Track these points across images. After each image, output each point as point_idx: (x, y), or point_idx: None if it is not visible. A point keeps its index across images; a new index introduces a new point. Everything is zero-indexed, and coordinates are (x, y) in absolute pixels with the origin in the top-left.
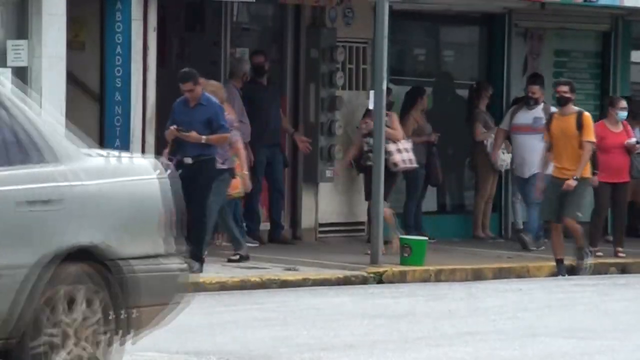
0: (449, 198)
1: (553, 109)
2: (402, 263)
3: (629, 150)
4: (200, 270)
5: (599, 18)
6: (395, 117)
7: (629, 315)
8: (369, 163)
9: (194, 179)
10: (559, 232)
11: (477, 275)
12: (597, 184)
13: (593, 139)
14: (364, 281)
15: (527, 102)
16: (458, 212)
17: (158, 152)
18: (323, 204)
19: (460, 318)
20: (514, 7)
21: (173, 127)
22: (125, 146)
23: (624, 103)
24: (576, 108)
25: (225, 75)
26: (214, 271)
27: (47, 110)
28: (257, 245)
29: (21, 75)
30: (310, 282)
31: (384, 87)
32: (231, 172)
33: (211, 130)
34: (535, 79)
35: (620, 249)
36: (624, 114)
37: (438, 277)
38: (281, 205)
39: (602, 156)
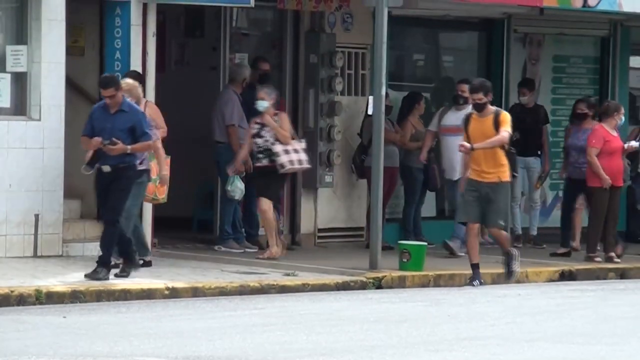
0: (447, 203)
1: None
2: (401, 268)
3: (624, 153)
4: (106, 278)
5: (598, 23)
6: (285, 117)
7: (627, 320)
8: (258, 164)
9: (112, 185)
10: (475, 235)
11: None
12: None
13: (510, 130)
14: (363, 286)
15: (457, 101)
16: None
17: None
18: (322, 209)
19: (459, 323)
20: (513, 13)
21: (98, 140)
22: None
23: (623, 109)
24: (493, 108)
25: (225, 80)
26: (213, 276)
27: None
28: (256, 250)
29: (20, 80)
30: (310, 287)
31: (383, 92)
32: (148, 175)
33: (134, 137)
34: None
35: (612, 254)
36: (623, 118)
37: (437, 282)
38: (280, 211)
39: (603, 160)
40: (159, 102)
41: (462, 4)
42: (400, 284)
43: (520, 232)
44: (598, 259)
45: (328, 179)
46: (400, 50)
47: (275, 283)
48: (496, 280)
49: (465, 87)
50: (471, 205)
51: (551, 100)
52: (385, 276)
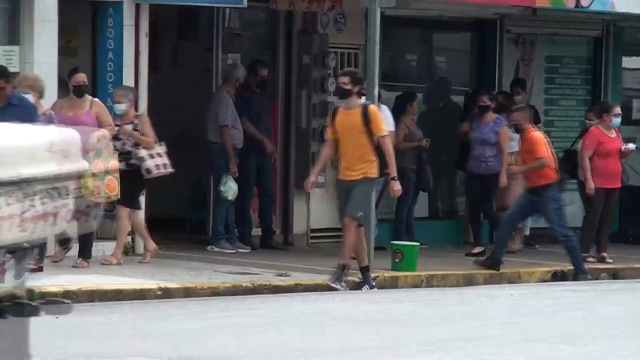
0: (440, 204)
1: (383, 107)
2: (394, 269)
3: (621, 155)
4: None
5: (591, 24)
6: (146, 120)
7: (620, 320)
8: (121, 168)
9: None
10: (352, 232)
11: (469, 281)
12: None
13: (385, 132)
14: (355, 287)
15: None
16: (450, 218)
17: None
18: (315, 209)
19: (452, 323)
20: (506, 13)
21: None
22: None
23: (618, 110)
24: (361, 101)
25: (218, 81)
26: (205, 277)
27: None
28: (248, 250)
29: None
30: (302, 287)
31: (376, 92)
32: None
33: None
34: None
35: (605, 254)
36: (618, 120)
37: (430, 282)
38: (272, 211)
39: (599, 161)
40: (151, 103)
41: (455, 5)
42: (392, 284)
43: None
44: (591, 259)
45: (320, 179)
46: (393, 51)
47: (268, 283)
48: (488, 280)
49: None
50: (345, 203)
51: (544, 100)
52: (378, 276)
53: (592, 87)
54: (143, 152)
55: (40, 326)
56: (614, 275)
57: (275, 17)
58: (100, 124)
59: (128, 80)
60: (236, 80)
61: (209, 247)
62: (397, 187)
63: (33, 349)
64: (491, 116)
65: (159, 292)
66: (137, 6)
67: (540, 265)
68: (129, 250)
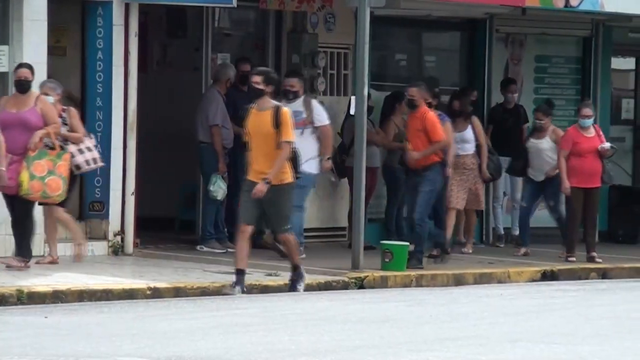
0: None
1: (315, 102)
2: (384, 268)
3: (601, 155)
4: None
5: (580, 24)
6: (75, 113)
7: (609, 320)
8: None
9: None
10: (246, 238)
11: (458, 281)
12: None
13: (292, 138)
14: (345, 286)
15: (286, 95)
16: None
17: (139, 157)
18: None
19: (441, 323)
20: (495, 13)
21: None
22: (106, 151)
23: (586, 111)
24: (274, 102)
25: (207, 80)
26: (195, 277)
27: None
28: None
29: (2, 80)
30: None
31: (366, 92)
32: None
33: None
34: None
35: (594, 253)
36: (585, 121)
37: (419, 282)
38: None
39: (575, 161)
40: (141, 103)
41: (444, 4)
42: (382, 284)
43: (502, 232)
44: (572, 258)
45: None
46: (383, 51)
47: (257, 283)
48: (478, 280)
49: (294, 81)
50: (248, 208)
51: (533, 100)
52: (368, 276)
53: (582, 86)
54: (72, 148)
55: (29, 326)
56: (603, 274)
57: (264, 16)
58: (45, 122)
59: (117, 79)
60: (227, 79)
61: (198, 247)
62: (262, 188)
63: (22, 349)
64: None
65: (148, 292)
66: (127, 6)
67: (530, 265)
68: (118, 250)
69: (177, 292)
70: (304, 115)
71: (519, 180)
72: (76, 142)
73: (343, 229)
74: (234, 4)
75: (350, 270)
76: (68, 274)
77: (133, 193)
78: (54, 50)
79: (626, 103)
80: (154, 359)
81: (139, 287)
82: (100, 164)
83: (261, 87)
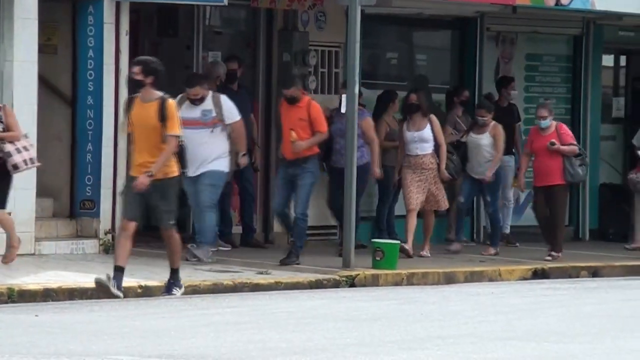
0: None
1: (224, 99)
2: (375, 267)
3: (564, 153)
4: None
5: (571, 22)
6: (10, 112)
7: (600, 318)
8: None
9: None
10: (129, 236)
11: (449, 279)
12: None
13: (178, 132)
14: (336, 285)
15: (193, 104)
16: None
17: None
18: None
19: (432, 321)
20: (486, 11)
21: None
22: (97, 150)
23: (541, 112)
24: (159, 94)
25: None
26: (185, 275)
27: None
28: (229, 248)
29: None
30: (283, 285)
31: (356, 90)
32: None
33: None
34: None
35: (554, 253)
36: (540, 122)
37: (410, 280)
38: (253, 209)
39: (534, 160)
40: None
41: (435, 3)
42: (373, 282)
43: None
44: (548, 258)
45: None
46: (374, 49)
47: (248, 281)
48: (469, 278)
49: (197, 89)
50: (131, 203)
51: (524, 98)
52: (359, 274)
53: (572, 85)
54: (10, 147)
55: (20, 324)
56: (594, 273)
57: (255, 14)
58: None
59: (108, 77)
60: (217, 77)
61: (189, 245)
62: (144, 181)
63: (13, 347)
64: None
65: (139, 290)
66: (118, 4)
67: (521, 263)
68: (109, 248)
69: None
70: (214, 114)
71: (510, 177)
72: (13, 140)
73: (334, 227)
74: (225, 2)
75: (341, 268)
76: (59, 272)
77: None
78: (45, 48)
79: (616, 101)
80: (145, 357)
81: (129, 285)
82: (37, 163)
83: (139, 77)
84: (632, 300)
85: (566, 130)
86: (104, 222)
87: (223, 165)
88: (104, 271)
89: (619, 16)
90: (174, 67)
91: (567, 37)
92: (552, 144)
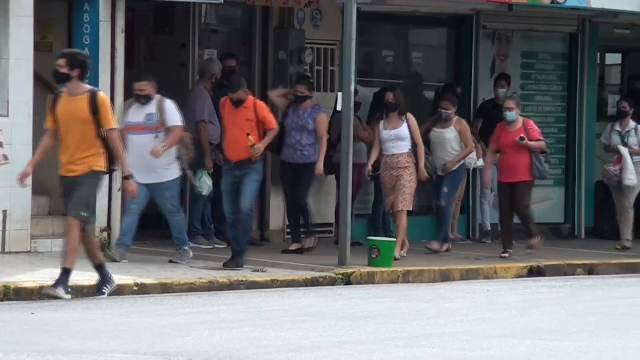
0: (417, 200)
1: (168, 104)
2: (371, 264)
3: (532, 149)
4: None
5: (567, 20)
6: None
7: (596, 316)
8: None
9: None
10: (81, 234)
11: (445, 277)
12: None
13: (114, 125)
14: (332, 282)
15: (138, 100)
16: (426, 214)
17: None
18: None
19: (428, 319)
20: (482, 9)
21: None
22: None
23: (508, 103)
24: (89, 87)
25: (194, 77)
26: (182, 273)
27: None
28: (225, 246)
29: None
30: (279, 283)
31: (352, 88)
32: None
33: None
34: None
35: (533, 242)
36: (506, 114)
37: (406, 278)
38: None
39: (500, 156)
40: (127, 99)
41: (431, 1)
42: (369, 280)
43: (489, 228)
44: (505, 254)
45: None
46: (370, 47)
47: (244, 279)
48: (465, 276)
49: (144, 84)
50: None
51: (520, 96)
52: (355, 272)
53: (568, 83)
54: None
55: (16, 323)
56: (590, 271)
57: (251, 12)
58: None
59: (104, 75)
60: (213, 75)
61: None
62: (131, 187)
63: (9, 345)
64: (309, 103)
65: (135, 288)
66: (114, 2)
67: (517, 261)
68: (104, 246)
69: (164, 289)
70: (157, 118)
71: None
72: None
73: (330, 225)
74: (221, 0)
75: (337, 266)
76: (55, 270)
77: (120, 189)
78: (41, 46)
79: (612, 99)
80: (141, 355)
81: (125, 283)
82: (7, 161)
83: (65, 71)
84: (627, 298)
85: (533, 126)
86: (100, 220)
87: (175, 172)
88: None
89: (615, 14)
90: (169, 66)
91: (563, 35)
92: (522, 139)
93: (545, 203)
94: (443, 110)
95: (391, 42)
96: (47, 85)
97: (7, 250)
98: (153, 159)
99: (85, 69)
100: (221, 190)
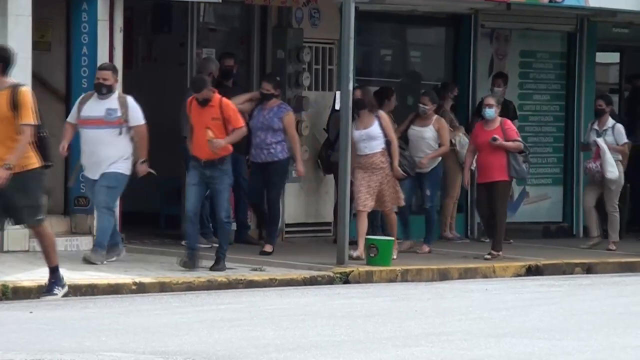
0: (414, 198)
1: (130, 100)
2: (369, 263)
3: (508, 149)
4: None
5: (565, 19)
6: None
7: (594, 315)
8: None
9: None
10: None
11: (444, 275)
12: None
13: (32, 121)
14: (330, 281)
15: (99, 90)
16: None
17: None
18: (289, 204)
19: (426, 318)
20: (480, 8)
21: None
22: None
23: (488, 100)
24: (11, 81)
25: (192, 75)
26: (180, 272)
27: None
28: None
29: None
30: (277, 282)
31: (351, 87)
32: None
33: None
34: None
35: (494, 252)
36: (485, 110)
37: (404, 277)
38: (247, 206)
39: (477, 156)
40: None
41: (429, 0)
42: (367, 279)
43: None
44: (488, 256)
45: (295, 174)
46: (368, 46)
47: (242, 278)
48: (463, 275)
49: (108, 73)
50: None
51: (518, 95)
52: (353, 271)
53: (566, 81)
54: None
55: (15, 321)
56: (588, 269)
57: (249, 11)
58: None
59: None
60: (209, 74)
61: (183, 242)
62: (3, 174)
63: (7, 344)
64: (275, 102)
65: (133, 287)
66: (112, 1)
67: (515, 260)
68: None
69: (163, 287)
70: (119, 114)
71: None
72: None
73: (328, 224)
74: None
75: (336, 265)
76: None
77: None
78: (39, 45)
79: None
80: (139, 354)
81: (124, 282)
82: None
83: None
84: (625, 296)
85: (511, 125)
86: None
87: (124, 167)
88: (98, 267)
89: (613, 13)
90: (168, 64)
91: (561, 34)
92: (494, 139)
93: (544, 202)
94: (421, 105)
95: (389, 41)
96: (45, 85)
97: (5, 249)
98: (107, 154)
99: (7, 63)
100: (187, 184)
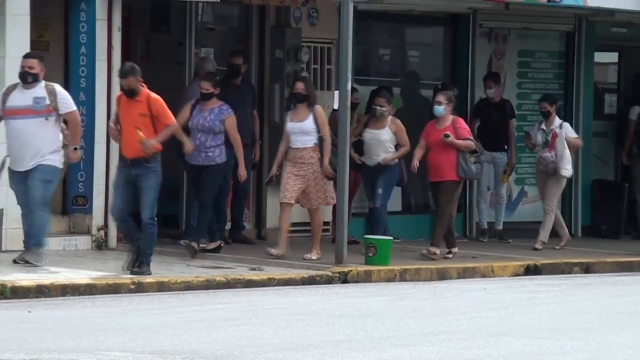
0: (413, 198)
1: (59, 88)
2: (367, 263)
3: (459, 148)
4: None
5: (563, 18)
6: None
7: (592, 314)
8: None
9: None
10: None
11: (442, 275)
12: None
13: None
14: (329, 281)
15: (24, 78)
16: (423, 212)
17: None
18: None
19: (424, 318)
20: (478, 8)
21: None
22: (89, 146)
23: (439, 97)
24: None
25: (191, 75)
26: (178, 271)
27: None
28: (221, 244)
29: None
30: (275, 281)
31: (349, 87)
32: None
33: None
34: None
35: (434, 250)
36: (435, 107)
37: (403, 276)
38: (244, 205)
39: (428, 154)
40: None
41: None
42: (366, 278)
43: (485, 226)
44: (450, 255)
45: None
46: (366, 45)
47: (241, 277)
48: (461, 274)
49: (34, 61)
50: None
51: (516, 95)
52: (351, 270)
53: (565, 81)
54: None
55: (13, 320)
56: (587, 269)
57: (248, 11)
58: None
59: (101, 74)
60: (214, 74)
61: (182, 242)
62: None
63: (5, 343)
64: (215, 102)
65: (132, 287)
66: (110, 0)
67: (513, 259)
68: (102, 245)
69: (161, 287)
70: (47, 102)
71: (501, 174)
72: None
73: (327, 223)
74: None
75: (334, 264)
76: (52, 268)
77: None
78: (37, 45)
79: (609, 98)
80: (137, 354)
81: (122, 281)
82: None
83: None
84: (624, 296)
85: (463, 124)
86: (97, 219)
87: (56, 160)
88: (97, 267)
89: (612, 12)
90: (166, 64)
91: (560, 33)
92: (447, 135)
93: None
94: (377, 107)
95: (387, 41)
96: None
97: (3, 248)
98: (38, 144)
99: None
100: (112, 186)
